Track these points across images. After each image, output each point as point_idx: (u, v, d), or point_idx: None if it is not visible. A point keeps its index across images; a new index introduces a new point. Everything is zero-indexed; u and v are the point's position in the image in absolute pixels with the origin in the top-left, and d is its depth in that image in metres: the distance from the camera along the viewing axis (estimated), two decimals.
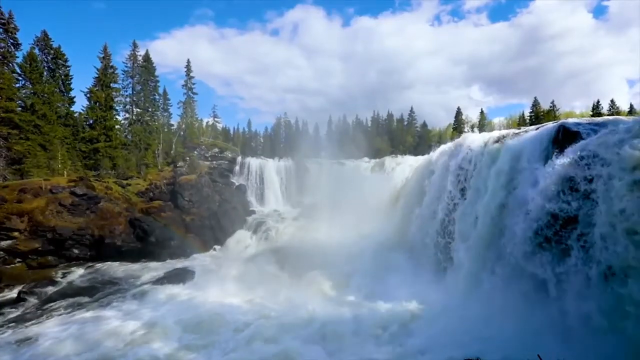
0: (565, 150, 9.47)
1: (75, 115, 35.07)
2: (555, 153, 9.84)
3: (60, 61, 34.16)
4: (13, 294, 17.53)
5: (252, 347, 10.67)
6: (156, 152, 38.15)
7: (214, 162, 40.31)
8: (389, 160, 37.99)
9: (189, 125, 44.92)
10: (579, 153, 8.83)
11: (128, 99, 38.65)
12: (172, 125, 45.31)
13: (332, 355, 10.10)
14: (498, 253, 11.02)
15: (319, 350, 10.28)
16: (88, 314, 14.37)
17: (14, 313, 15.33)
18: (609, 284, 7.41)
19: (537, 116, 55.77)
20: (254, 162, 42.59)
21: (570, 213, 8.72)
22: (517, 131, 13.33)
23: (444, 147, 18.80)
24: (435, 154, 19.82)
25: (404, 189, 23.46)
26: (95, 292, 17.26)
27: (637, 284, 6.84)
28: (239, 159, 43.03)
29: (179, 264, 22.59)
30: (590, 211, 8.20)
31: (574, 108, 67.08)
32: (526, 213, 9.97)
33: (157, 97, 41.20)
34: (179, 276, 18.97)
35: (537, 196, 9.62)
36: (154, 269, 21.60)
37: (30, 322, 13.92)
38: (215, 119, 54.73)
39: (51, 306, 15.64)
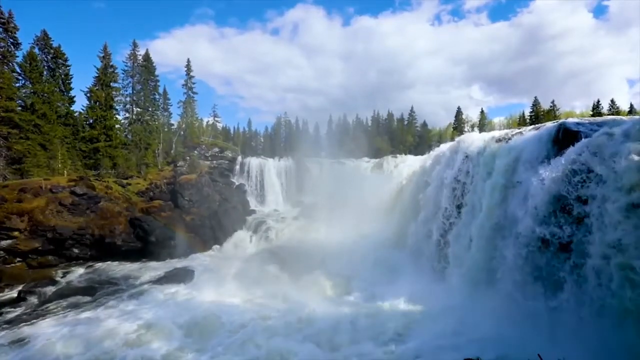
0: (555, 159, 8.68)
1: (75, 114, 35.05)
2: (544, 165, 9.08)
3: (60, 60, 34.14)
4: (13, 293, 17.56)
5: (250, 348, 10.67)
6: (156, 151, 38.16)
7: (214, 161, 40.33)
8: (389, 160, 37.99)
9: (189, 125, 44.90)
10: (570, 166, 7.90)
11: (128, 99, 38.66)
12: (172, 124, 45.34)
13: (329, 356, 10.11)
14: (490, 278, 10.40)
15: (316, 351, 10.28)
16: (87, 314, 14.39)
17: (14, 313, 15.35)
18: (603, 326, 6.61)
19: (537, 116, 55.66)
20: (254, 161, 42.59)
21: (562, 239, 7.82)
22: (514, 132, 12.89)
23: (438, 153, 17.76)
24: (429, 160, 18.93)
25: (400, 197, 22.86)
26: (95, 291, 17.28)
27: (635, 330, 6.02)
28: (239, 158, 43.03)
29: (178, 263, 22.61)
30: (584, 238, 7.28)
31: (574, 108, 66.91)
32: (516, 237, 9.16)
33: (157, 96, 41.22)
34: (178, 276, 19.00)
35: (527, 217, 8.81)
36: (154, 268, 21.63)
37: (30, 322, 13.94)
38: (216, 119, 54.76)
39: (51, 306, 15.66)
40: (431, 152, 20.19)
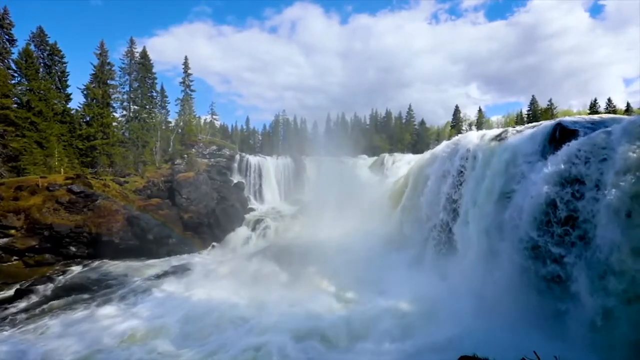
0: (551, 157, 8.78)
1: (72, 112, 34.81)
2: (541, 163, 9.24)
3: (56, 57, 33.83)
4: (10, 292, 17.48)
5: (248, 344, 10.70)
6: (154, 149, 38.00)
7: (212, 159, 40.20)
8: (387, 158, 38.10)
9: (187, 123, 44.66)
10: (566, 165, 7.97)
11: (125, 96, 38.33)
12: (170, 122, 45.09)
13: (326, 352, 10.16)
14: (488, 277, 10.49)
15: (313, 348, 10.33)
16: (85, 312, 14.37)
17: (11, 311, 15.29)
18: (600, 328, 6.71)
19: (535, 114, 55.86)
20: (252, 159, 42.52)
21: (559, 237, 7.93)
22: (511, 130, 12.92)
23: (436, 152, 17.51)
24: (428, 158, 18.58)
25: (398, 195, 22.72)
26: (93, 289, 17.25)
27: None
28: (238, 156, 42.94)
29: (176, 261, 22.57)
30: (579, 237, 7.38)
31: (572, 106, 67.20)
32: (513, 235, 9.31)
33: (154, 94, 40.92)
34: (176, 274, 19.00)
35: (525, 215, 8.98)
36: (152, 266, 21.61)
37: (27, 320, 13.91)
38: (214, 117, 54.57)
39: (48, 304, 15.61)
40: (429, 151, 20.21)
